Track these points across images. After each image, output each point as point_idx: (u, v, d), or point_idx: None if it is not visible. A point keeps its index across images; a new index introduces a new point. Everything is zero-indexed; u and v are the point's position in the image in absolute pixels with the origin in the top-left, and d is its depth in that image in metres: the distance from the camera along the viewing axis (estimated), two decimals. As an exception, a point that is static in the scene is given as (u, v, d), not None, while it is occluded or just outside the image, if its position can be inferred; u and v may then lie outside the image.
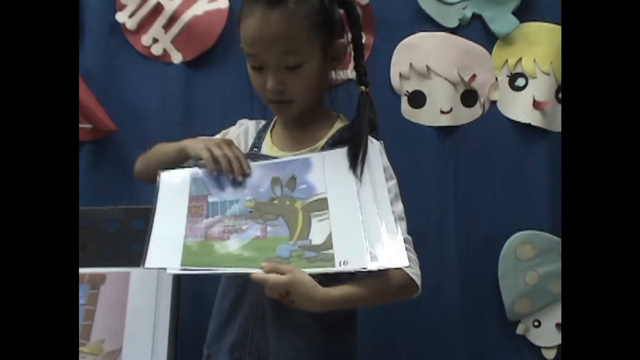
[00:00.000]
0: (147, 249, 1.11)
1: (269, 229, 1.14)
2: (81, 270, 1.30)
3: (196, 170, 1.23)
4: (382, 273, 1.09)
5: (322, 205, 1.15)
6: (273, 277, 1.04)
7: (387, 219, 1.13)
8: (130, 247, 1.38)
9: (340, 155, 1.20)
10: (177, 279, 1.30)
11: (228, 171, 1.19)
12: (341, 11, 1.27)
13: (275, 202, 1.17)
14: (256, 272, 1.06)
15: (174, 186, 1.21)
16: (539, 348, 1.75)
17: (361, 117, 1.23)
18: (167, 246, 1.12)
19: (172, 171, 1.23)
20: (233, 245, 1.12)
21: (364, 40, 1.65)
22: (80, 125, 1.71)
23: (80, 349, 1.23)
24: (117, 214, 1.41)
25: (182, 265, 1.10)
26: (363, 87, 1.25)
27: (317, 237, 1.12)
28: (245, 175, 1.20)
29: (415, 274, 1.15)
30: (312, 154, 1.22)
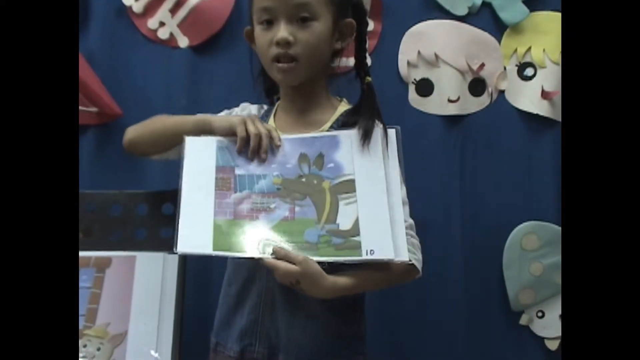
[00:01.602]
0: (177, 231, 1.11)
1: (297, 209, 1.14)
2: (86, 254, 1.30)
3: (221, 139, 1.22)
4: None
5: (349, 187, 1.16)
6: (284, 265, 1.07)
7: (397, 210, 1.14)
8: (136, 232, 1.37)
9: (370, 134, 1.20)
10: (183, 264, 1.30)
11: (255, 149, 1.18)
12: None
13: (303, 180, 1.17)
14: (267, 257, 1.08)
15: (201, 154, 1.20)
16: (542, 339, 1.75)
17: (367, 102, 1.25)
18: (198, 227, 1.12)
19: (198, 138, 1.22)
20: (262, 225, 1.13)
21: (371, 28, 1.67)
22: (85, 109, 1.70)
23: (86, 332, 1.23)
24: (123, 199, 1.40)
25: (213, 248, 1.10)
26: (369, 78, 1.28)
27: (344, 221, 1.13)
28: (276, 148, 1.20)
29: (417, 259, 1.18)
30: (341, 131, 1.22)
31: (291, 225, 1.13)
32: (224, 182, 1.17)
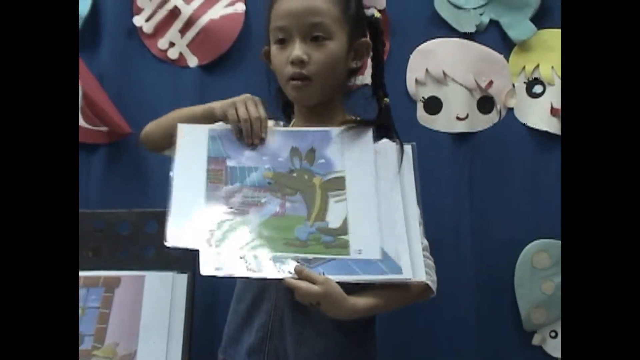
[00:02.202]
0: (168, 223, 1.11)
1: (287, 204, 1.15)
2: (96, 273, 1.30)
3: (215, 127, 1.22)
4: None
5: (339, 184, 1.17)
6: (305, 285, 1.06)
7: (413, 226, 1.14)
8: (145, 251, 1.37)
9: (361, 133, 1.22)
10: (192, 283, 1.30)
11: (247, 134, 1.19)
12: None
13: (294, 175, 1.18)
14: (289, 277, 1.07)
15: (193, 143, 1.20)
16: (555, 360, 1.73)
17: (383, 123, 1.26)
18: (189, 221, 1.12)
19: (192, 125, 1.22)
20: (253, 220, 1.13)
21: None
22: (95, 128, 1.71)
23: (94, 352, 1.23)
24: (131, 217, 1.41)
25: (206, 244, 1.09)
26: (387, 100, 1.29)
27: (334, 219, 1.14)
28: (262, 140, 1.20)
29: (432, 280, 1.18)
30: (334, 127, 1.23)
31: (281, 220, 1.13)
32: (216, 174, 1.17)
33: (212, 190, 1.15)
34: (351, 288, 1.11)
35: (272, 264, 1.09)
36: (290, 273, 1.07)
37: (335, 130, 1.22)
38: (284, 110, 1.39)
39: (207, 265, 1.08)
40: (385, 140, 1.24)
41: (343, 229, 1.13)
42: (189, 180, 1.16)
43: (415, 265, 1.12)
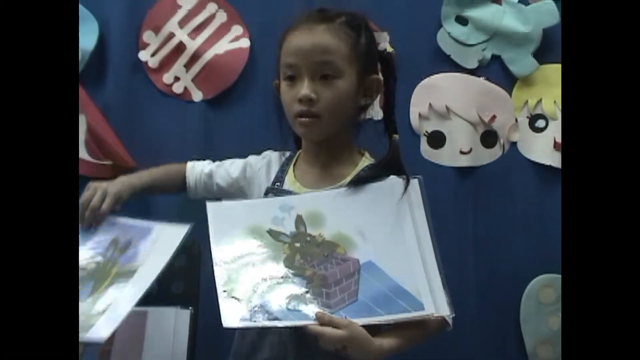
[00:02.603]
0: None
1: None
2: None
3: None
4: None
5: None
6: (330, 331, 1.05)
7: (430, 261, 1.15)
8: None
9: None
10: (195, 319, 1.29)
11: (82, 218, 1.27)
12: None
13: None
14: (311, 323, 1.06)
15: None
16: (562, 395, 1.70)
17: (392, 159, 1.27)
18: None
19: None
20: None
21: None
22: (99, 162, 1.72)
23: (96, 389, 1.22)
24: (135, 252, 1.40)
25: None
26: (396, 136, 1.29)
27: None
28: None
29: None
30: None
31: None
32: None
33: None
34: (372, 329, 1.09)
35: (290, 310, 1.09)
36: (312, 319, 1.06)
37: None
38: (296, 141, 1.39)
39: (230, 316, 1.08)
40: (392, 178, 1.23)
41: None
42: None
43: (436, 300, 1.11)
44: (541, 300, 1.69)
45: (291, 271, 1.13)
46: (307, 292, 1.11)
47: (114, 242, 1.22)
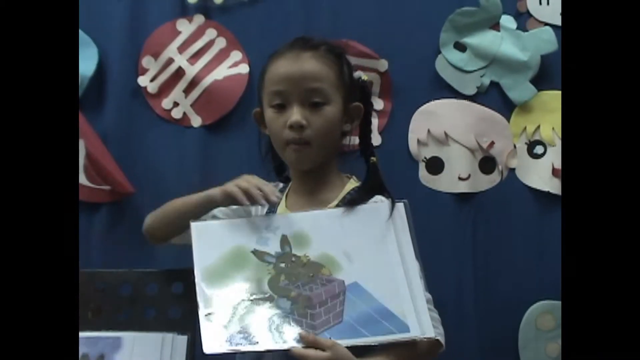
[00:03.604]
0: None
1: None
2: (95, 334, 1.28)
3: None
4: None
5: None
6: (314, 353, 1.04)
7: (415, 283, 1.14)
8: (145, 312, 1.36)
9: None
10: (192, 345, 1.28)
11: (258, 198, 1.18)
12: None
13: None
14: (295, 346, 1.05)
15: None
16: None
17: (372, 180, 1.27)
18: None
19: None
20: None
21: (382, 107, 1.70)
22: (98, 187, 1.72)
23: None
24: (132, 277, 1.40)
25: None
26: (374, 158, 1.29)
27: None
28: (278, 198, 1.23)
29: (439, 333, 1.16)
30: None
31: None
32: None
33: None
34: (358, 350, 1.08)
35: (273, 332, 1.08)
36: (296, 340, 1.06)
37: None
38: (277, 172, 1.39)
39: (210, 340, 1.07)
40: (377, 198, 1.24)
41: None
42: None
43: (421, 322, 1.10)
44: (539, 327, 1.69)
45: (276, 293, 1.12)
46: (291, 313, 1.10)
47: (84, 359, 1.22)
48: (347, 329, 1.09)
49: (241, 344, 1.07)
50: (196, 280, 1.14)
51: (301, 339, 1.06)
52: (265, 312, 1.10)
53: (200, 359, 1.32)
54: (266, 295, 1.12)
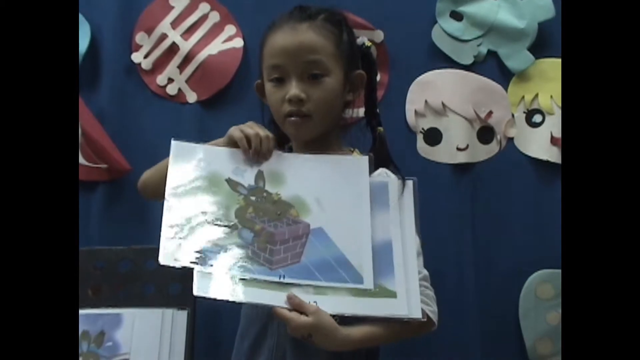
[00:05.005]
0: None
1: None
2: (95, 311, 1.29)
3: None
4: None
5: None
6: (296, 317, 1.05)
7: (411, 263, 1.14)
8: (145, 288, 1.36)
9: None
10: (192, 320, 1.28)
11: (256, 151, 1.18)
12: None
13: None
14: (280, 306, 1.06)
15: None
16: (562, 391, 1.70)
17: (379, 152, 1.26)
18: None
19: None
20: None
21: (378, 78, 1.68)
22: (95, 165, 1.71)
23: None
24: (131, 255, 1.40)
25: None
26: (381, 128, 1.29)
27: None
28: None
29: (432, 311, 1.15)
30: None
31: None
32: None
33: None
34: (346, 321, 1.09)
35: (228, 259, 1.08)
36: (252, 272, 1.07)
37: None
38: (278, 143, 1.38)
39: (167, 255, 1.08)
40: (382, 170, 1.23)
41: None
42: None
43: (411, 302, 1.10)
44: (539, 295, 1.69)
45: (241, 222, 1.13)
46: (251, 244, 1.11)
47: (84, 336, 1.21)
48: (302, 270, 1.10)
49: (196, 262, 1.07)
50: (165, 194, 1.14)
51: (287, 300, 1.06)
52: (227, 238, 1.10)
53: (200, 334, 1.34)
54: (231, 223, 1.12)
